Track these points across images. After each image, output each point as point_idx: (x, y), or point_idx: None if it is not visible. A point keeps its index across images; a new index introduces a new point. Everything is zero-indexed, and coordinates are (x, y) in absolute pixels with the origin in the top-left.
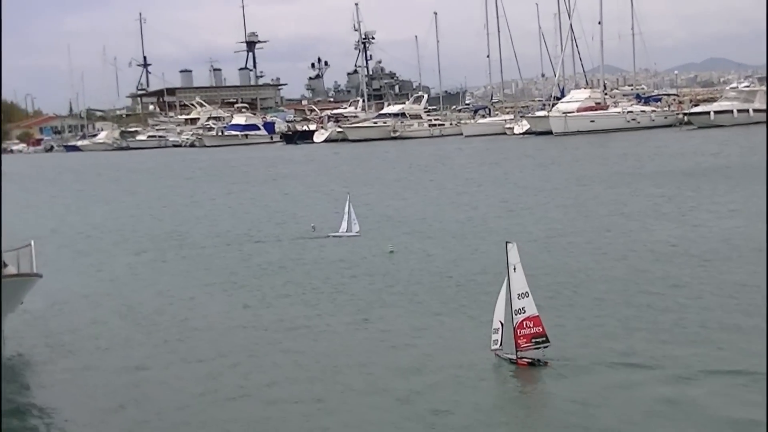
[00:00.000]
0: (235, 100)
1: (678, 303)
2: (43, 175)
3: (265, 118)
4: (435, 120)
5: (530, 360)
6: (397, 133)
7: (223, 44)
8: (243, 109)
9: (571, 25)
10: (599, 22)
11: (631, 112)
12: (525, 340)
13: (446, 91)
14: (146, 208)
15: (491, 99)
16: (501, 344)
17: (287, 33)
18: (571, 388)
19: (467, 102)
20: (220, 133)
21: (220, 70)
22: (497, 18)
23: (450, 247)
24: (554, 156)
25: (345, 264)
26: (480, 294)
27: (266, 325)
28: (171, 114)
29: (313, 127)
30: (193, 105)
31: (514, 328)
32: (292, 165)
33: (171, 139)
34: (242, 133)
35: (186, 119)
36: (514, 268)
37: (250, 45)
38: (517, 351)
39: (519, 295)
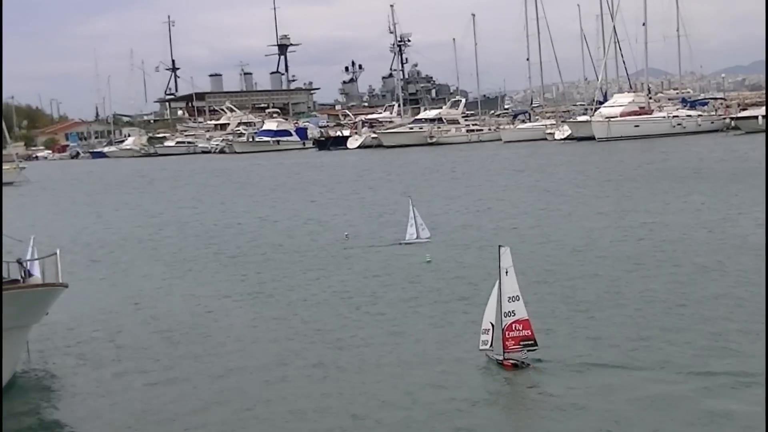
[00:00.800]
0: (266, 105)
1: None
2: (68, 182)
3: (297, 123)
4: (473, 125)
5: (515, 362)
6: (434, 139)
7: (253, 47)
8: (274, 115)
9: (614, 26)
10: (643, 24)
11: (677, 116)
12: (513, 342)
13: (485, 96)
14: (174, 216)
15: (531, 103)
16: (491, 345)
17: (320, 35)
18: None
19: (506, 106)
20: (250, 139)
21: (250, 74)
22: (537, 19)
23: (486, 255)
24: (597, 162)
25: (376, 273)
26: None
27: (293, 335)
28: (200, 119)
29: (346, 132)
30: (222, 110)
31: (503, 330)
32: (325, 171)
33: (200, 145)
34: (273, 139)
35: (215, 125)
36: (506, 272)
37: (282, 48)
38: (504, 352)
39: (510, 298)
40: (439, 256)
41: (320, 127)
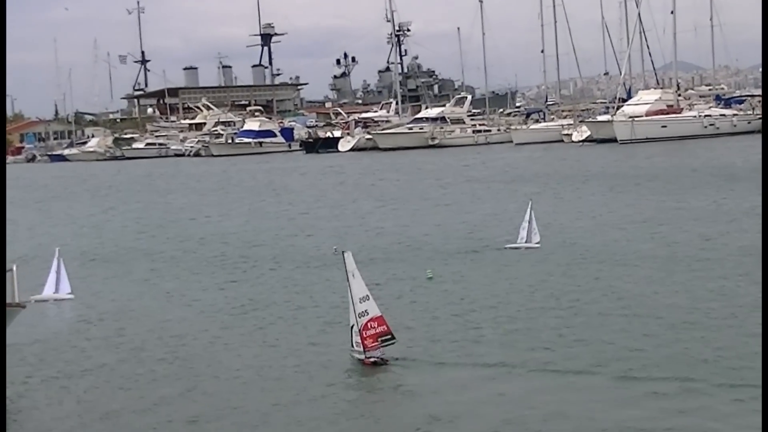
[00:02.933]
0: (247, 102)
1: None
2: (23, 188)
3: (282, 123)
4: (480, 125)
5: (375, 359)
6: (436, 141)
7: (233, 37)
8: (257, 113)
9: (639, 15)
10: (672, 12)
11: (709, 116)
12: (371, 340)
13: (493, 92)
14: (139, 226)
15: (546, 101)
16: (353, 345)
17: (308, 24)
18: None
19: (518, 104)
20: (229, 141)
21: (230, 67)
22: (553, 7)
23: (492, 272)
24: (620, 169)
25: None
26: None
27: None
28: (173, 118)
29: (338, 133)
30: (198, 108)
31: (360, 330)
32: (314, 177)
33: (173, 147)
34: (255, 140)
35: (190, 124)
36: (353, 275)
37: (266, 38)
38: (365, 351)
39: (360, 299)
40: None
41: (308, 127)
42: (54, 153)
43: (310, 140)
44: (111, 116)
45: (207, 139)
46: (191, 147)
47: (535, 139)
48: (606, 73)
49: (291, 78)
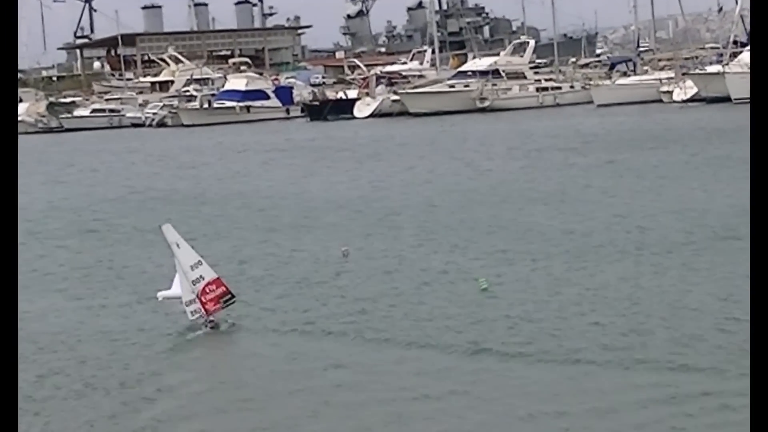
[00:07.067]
0: (229, 53)
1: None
2: None
3: (277, 80)
4: (547, 81)
5: (213, 324)
6: (487, 103)
7: None
8: (242, 67)
9: None
10: None
11: None
12: (213, 303)
13: (565, 35)
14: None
15: (637, 47)
16: (204, 311)
17: None
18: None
19: (598, 52)
20: (206, 105)
21: (206, 5)
22: None
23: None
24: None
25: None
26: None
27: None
28: (129, 75)
29: (353, 93)
30: (163, 61)
31: (198, 296)
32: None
33: (129, 114)
34: (241, 104)
35: (152, 83)
36: (178, 245)
37: None
38: (207, 315)
39: (191, 266)
40: None
41: (313, 85)
42: None
43: (316, 103)
44: (44, 73)
45: (175, 103)
46: (154, 114)
47: (623, 98)
48: (719, 9)
49: (288, 19)
